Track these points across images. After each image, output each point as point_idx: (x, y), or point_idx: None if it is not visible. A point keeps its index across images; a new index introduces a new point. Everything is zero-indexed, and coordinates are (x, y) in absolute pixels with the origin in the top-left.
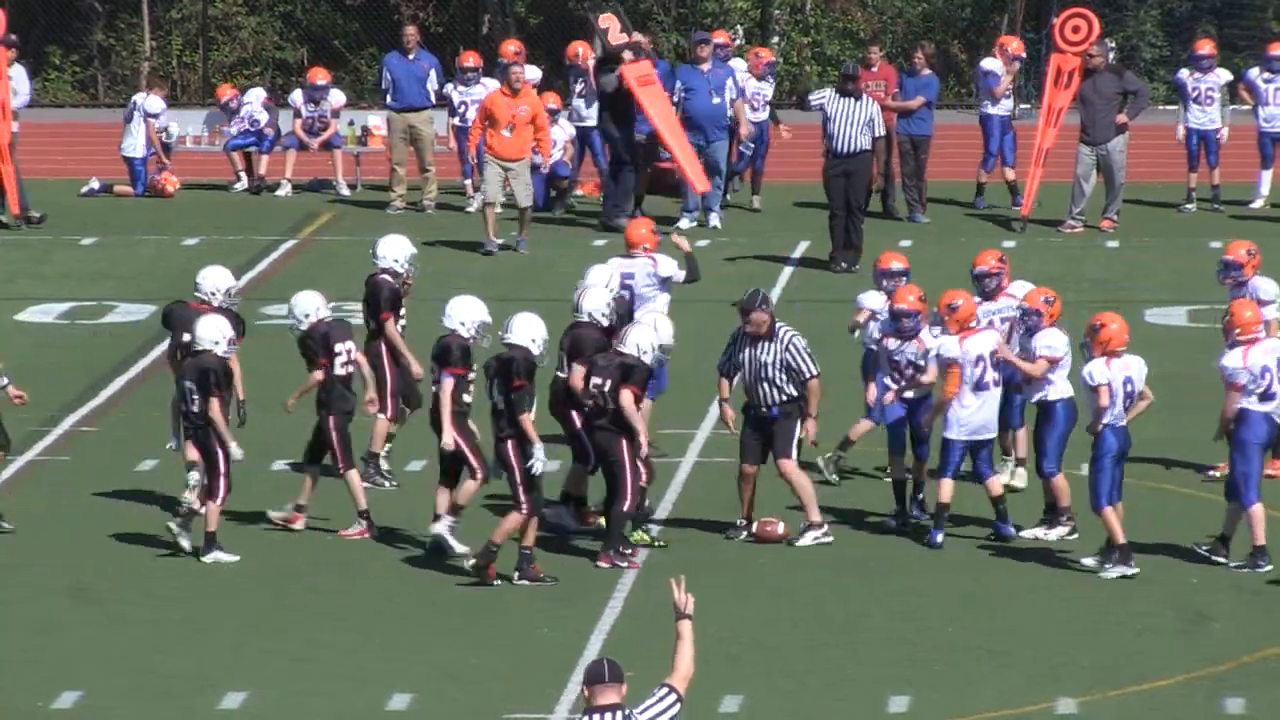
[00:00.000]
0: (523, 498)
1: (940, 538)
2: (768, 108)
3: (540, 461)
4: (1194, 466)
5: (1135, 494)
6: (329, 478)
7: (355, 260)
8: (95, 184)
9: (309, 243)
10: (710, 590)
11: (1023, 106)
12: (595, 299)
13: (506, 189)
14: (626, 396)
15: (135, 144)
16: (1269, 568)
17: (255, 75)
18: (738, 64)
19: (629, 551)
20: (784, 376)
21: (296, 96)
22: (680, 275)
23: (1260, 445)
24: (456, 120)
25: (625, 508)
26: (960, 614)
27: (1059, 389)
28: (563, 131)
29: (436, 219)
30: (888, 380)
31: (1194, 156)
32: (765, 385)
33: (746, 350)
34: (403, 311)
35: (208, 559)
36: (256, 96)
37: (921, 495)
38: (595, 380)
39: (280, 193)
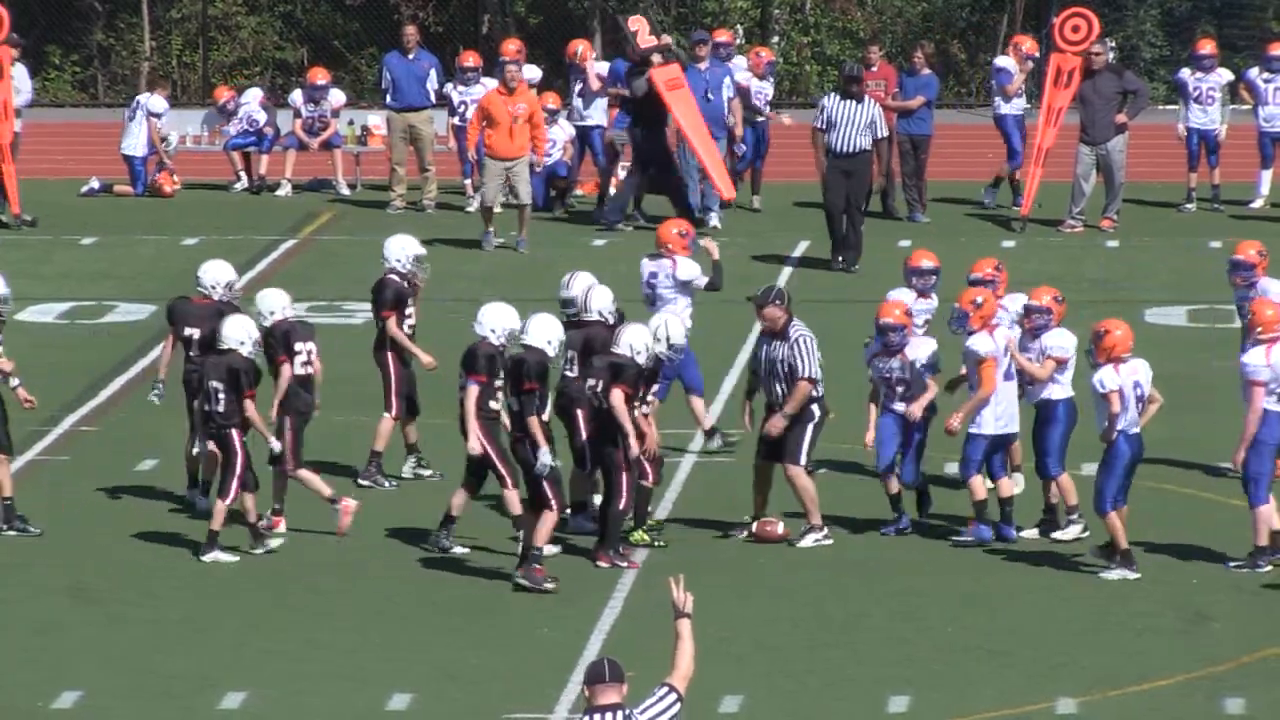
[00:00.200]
0: (551, 495)
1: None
2: (768, 107)
3: (546, 466)
4: (1194, 467)
5: (1135, 494)
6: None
7: (355, 260)
8: (95, 184)
9: (309, 242)
10: (710, 590)
11: (1024, 106)
12: (603, 298)
13: (506, 189)
14: (616, 396)
15: (136, 143)
16: (1268, 569)
17: (255, 75)
18: (738, 62)
19: (627, 551)
20: (793, 375)
21: (296, 96)
22: (701, 281)
23: (1275, 446)
24: (456, 120)
25: (621, 506)
26: (960, 614)
27: (1062, 389)
28: (563, 131)
29: (436, 219)
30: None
31: (1194, 156)
32: (776, 383)
33: (763, 347)
34: (409, 311)
35: (207, 558)
36: (254, 96)
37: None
38: (589, 381)
39: (280, 192)
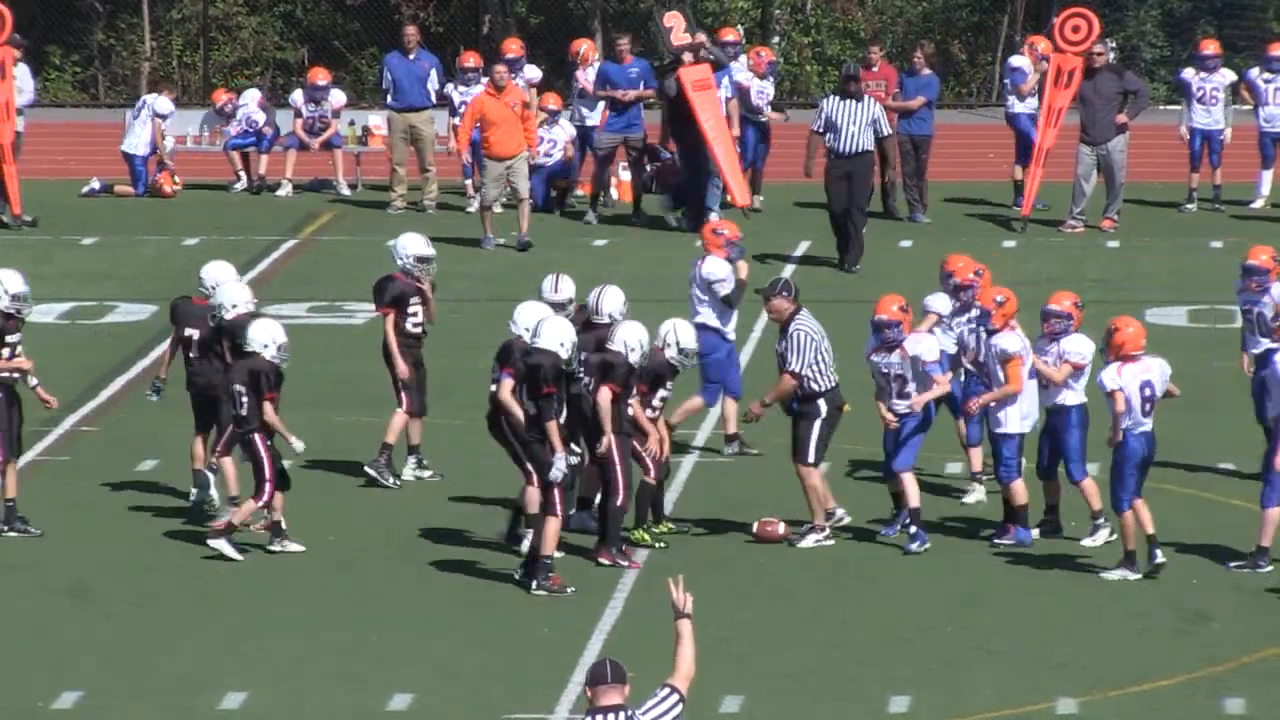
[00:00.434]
0: (557, 501)
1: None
2: (769, 107)
3: (560, 471)
4: (1194, 468)
5: None
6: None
7: (355, 260)
8: (96, 184)
9: (309, 242)
10: (710, 590)
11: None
12: (614, 300)
13: (506, 189)
14: (603, 394)
15: (138, 142)
16: (1269, 569)
17: (256, 75)
18: (738, 62)
19: (629, 550)
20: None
21: (297, 96)
22: (722, 288)
23: None
24: (457, 120)
25: (619, 503)
26: (960, 614)
27: (1075, 395)
28: (563, 132)
29: (437, 219)
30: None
31: (1196, 156)
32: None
33: (777, 341)
34: (413, 310)
35: (213, 543)
36: (252, 97)
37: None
38: (582, 379)
39: (281, 193)
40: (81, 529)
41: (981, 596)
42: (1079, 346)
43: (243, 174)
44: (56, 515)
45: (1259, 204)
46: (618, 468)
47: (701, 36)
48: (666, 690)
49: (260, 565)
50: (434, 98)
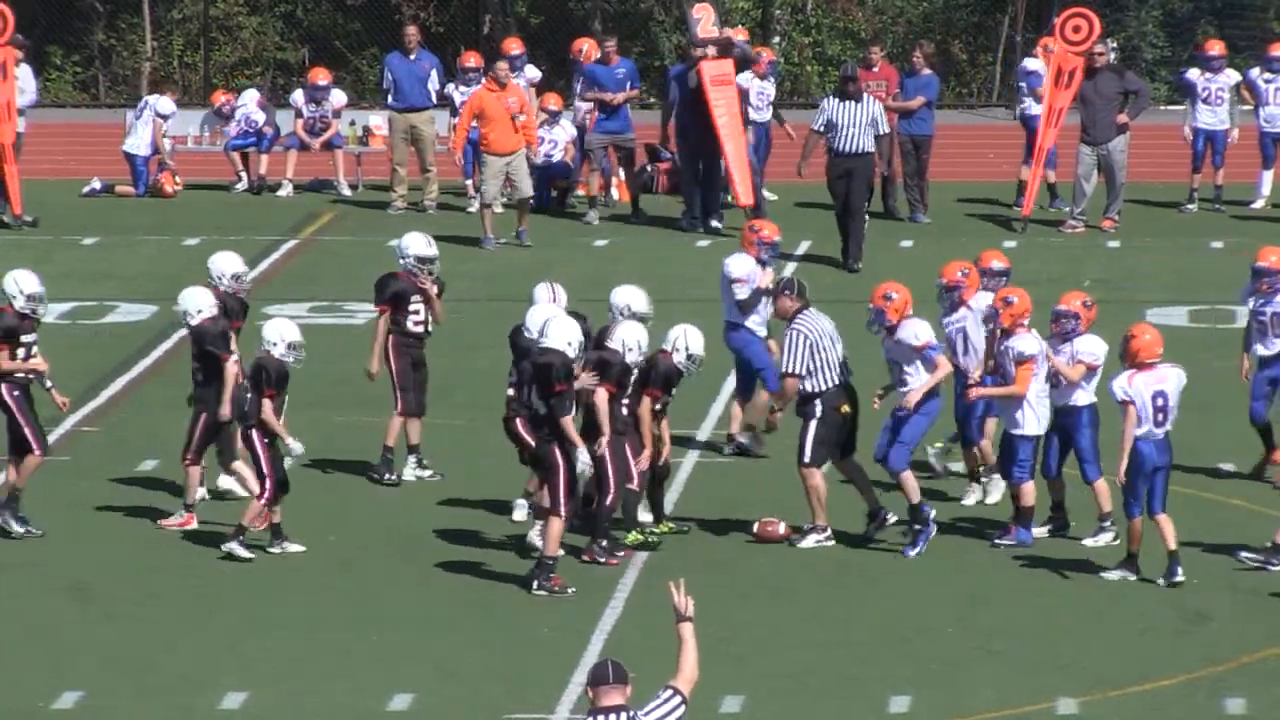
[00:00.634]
0: (563, 501)
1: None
2: (770, 107)
3: (586, 465)
4: (1194, 468)
5: None
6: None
7: (356, 260)
8: (96, 184)
9: (310, 243)
10: (710, 590)
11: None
12: (626, 297)
13: (506, 188)
14: (600, 394)
15: (140, 141)
16: (1279, 568)
17: (256, 75)
18: None
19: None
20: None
21: (298, 96)
22: (739, 290)
23: None
24: (457, 120)
25: (609, 503)
26: (960, 614)
27: (1086, 395)
28: (564, 132)
29: (437, 219)
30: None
31: (1199, 157)
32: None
33: None
34: (414, 308)
35: (225, 547)
36: (251, 98)
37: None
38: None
39: (281, 193)
40: (82, 529)
41: (982, 597)
42: (1092, 347)
43: (243, 174)
44: (57, 515)
45: (1259, 204)
46: (610, 467)
47: (729, 32)
48: (669, 692)
49: (261, 565)
50: (435, 98)
